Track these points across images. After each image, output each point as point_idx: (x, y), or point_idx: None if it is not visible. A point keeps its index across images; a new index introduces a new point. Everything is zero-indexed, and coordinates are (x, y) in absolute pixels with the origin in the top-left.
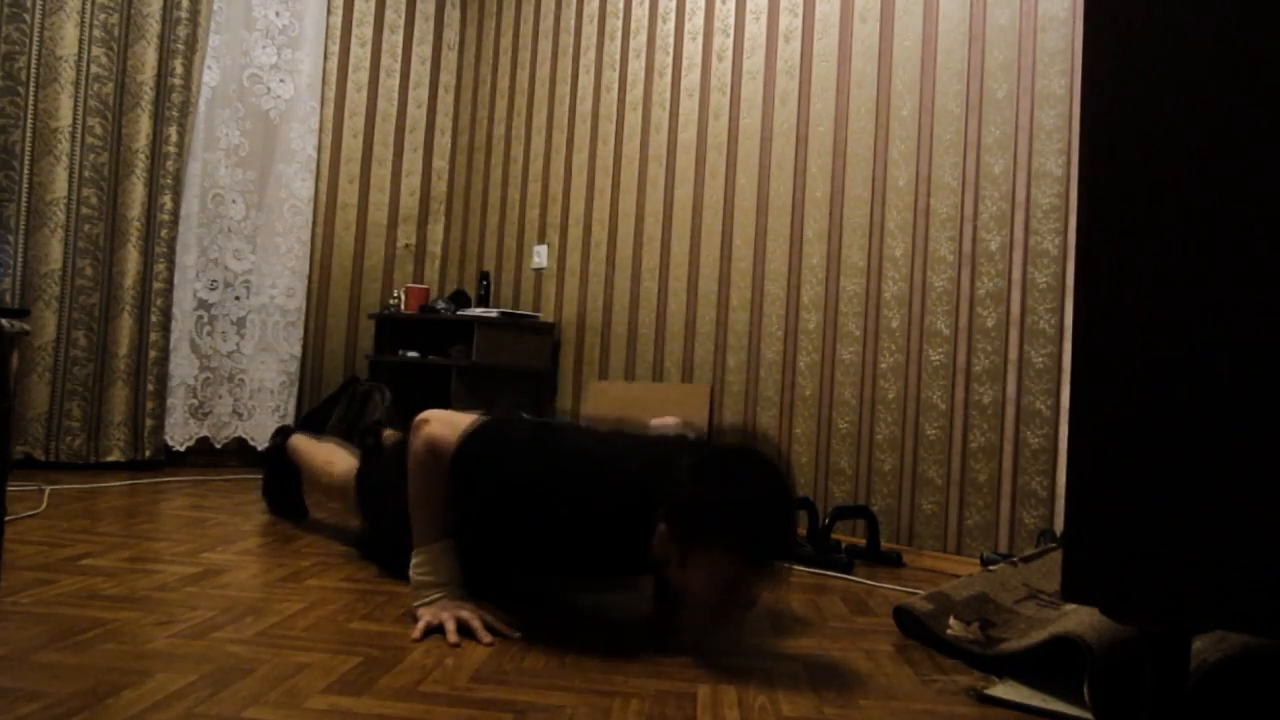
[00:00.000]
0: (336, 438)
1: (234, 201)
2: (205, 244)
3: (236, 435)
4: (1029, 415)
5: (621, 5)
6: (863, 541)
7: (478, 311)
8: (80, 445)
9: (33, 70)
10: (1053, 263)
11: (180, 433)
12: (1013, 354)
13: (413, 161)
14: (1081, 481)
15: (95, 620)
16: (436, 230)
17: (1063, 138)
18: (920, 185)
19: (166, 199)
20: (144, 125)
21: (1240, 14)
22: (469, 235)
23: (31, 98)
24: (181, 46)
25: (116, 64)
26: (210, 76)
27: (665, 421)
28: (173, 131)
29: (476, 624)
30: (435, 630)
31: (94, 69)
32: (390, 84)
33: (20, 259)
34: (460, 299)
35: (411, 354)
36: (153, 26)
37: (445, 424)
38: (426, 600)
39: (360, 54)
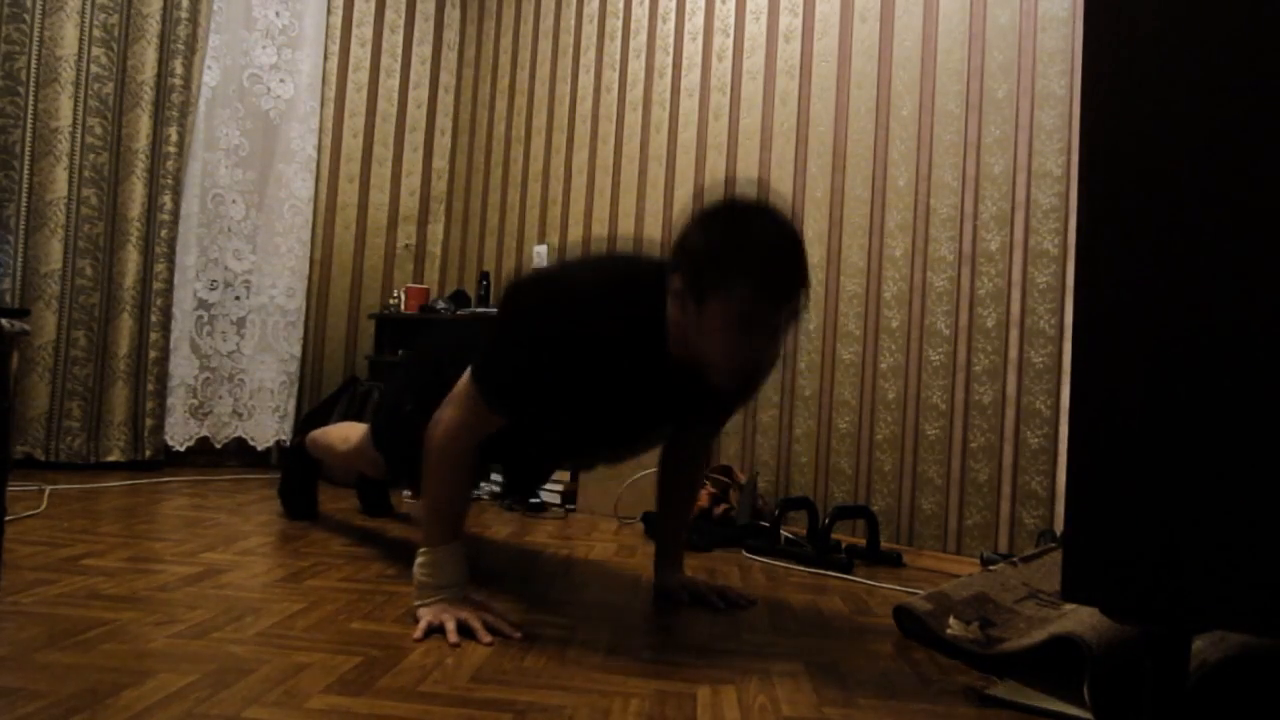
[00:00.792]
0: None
1: (234, 201)
2: (205, 244)
3: (236, 435)
4: (1029, 415)
5: (621, 5)
6: (863, 541)
7: (478, 311)
8: (80, 445)
9: (32, 70)
10: (1053, 263)
11: (180, 433)
12: (1013, 354)
13: (413, 161)
14: (1081, 481)
15: (95, 620)
16: (436, 230)
17: (1063, 138)
18: (920, 185)
19: (166, 199)
20: (144, 125)
21: (1240, 13)
22: (469, 235)
23: (31, 98)
24: (181, 46)
25: (116, 64)
26: (210, 76)
27: None
28: (173, 131)
29: (477, 624)
30: (436, 630)
31: (94, 69)
32: (390, 84)
33: (20, 259)
34: (460, 299)
35: (415, 346)
36: (153, 26)
37: (447, 406)
38: (428, 601)
39: (360, 54)
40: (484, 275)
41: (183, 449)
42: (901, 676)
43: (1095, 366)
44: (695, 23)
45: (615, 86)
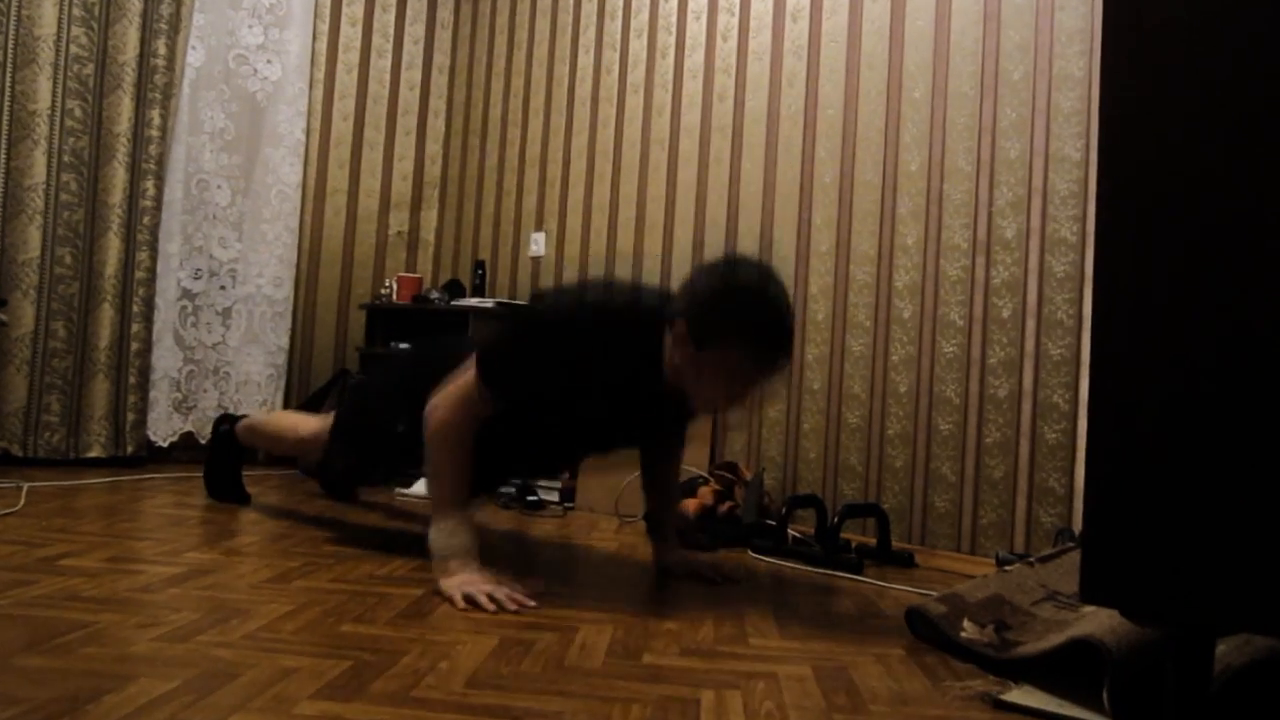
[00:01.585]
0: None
1: (219, 187)
2: (189, 231)
3: None
4: (1046, 409)
5: None
6: (873, 541)
7: (473, 302)
8: (59, 441)
9: (10, 51)
10: (1071, 250)
11: (163, 427)
12: (1029, 345)
13: (405, 146)
14: (1100, 478)
15: (75, 623)
16: (430, 217)
17: (1081, 121)
18: (933, 170)
19: (149, 184)
20: (126, 108)
21: None
22: (464, 222)
23: (9, 79)
24: (165, 26)
25: (97, 44)
26: (195, 57)
27: None
28: (155, 114)
29: (501, 595)
30: (472, 603)
31: (73, 49)
32: (382, 65)
33: None
34: (455, 289)
35: (404, 346)
36: (134, 5)
37: (445, 387)
38: (448, 569)
39: (350, 34)
40: (479, 264)
41: (166, 445)
42: (913, 681)
43: (1115, 358)
44: (699, 1)
45: (616, 67)
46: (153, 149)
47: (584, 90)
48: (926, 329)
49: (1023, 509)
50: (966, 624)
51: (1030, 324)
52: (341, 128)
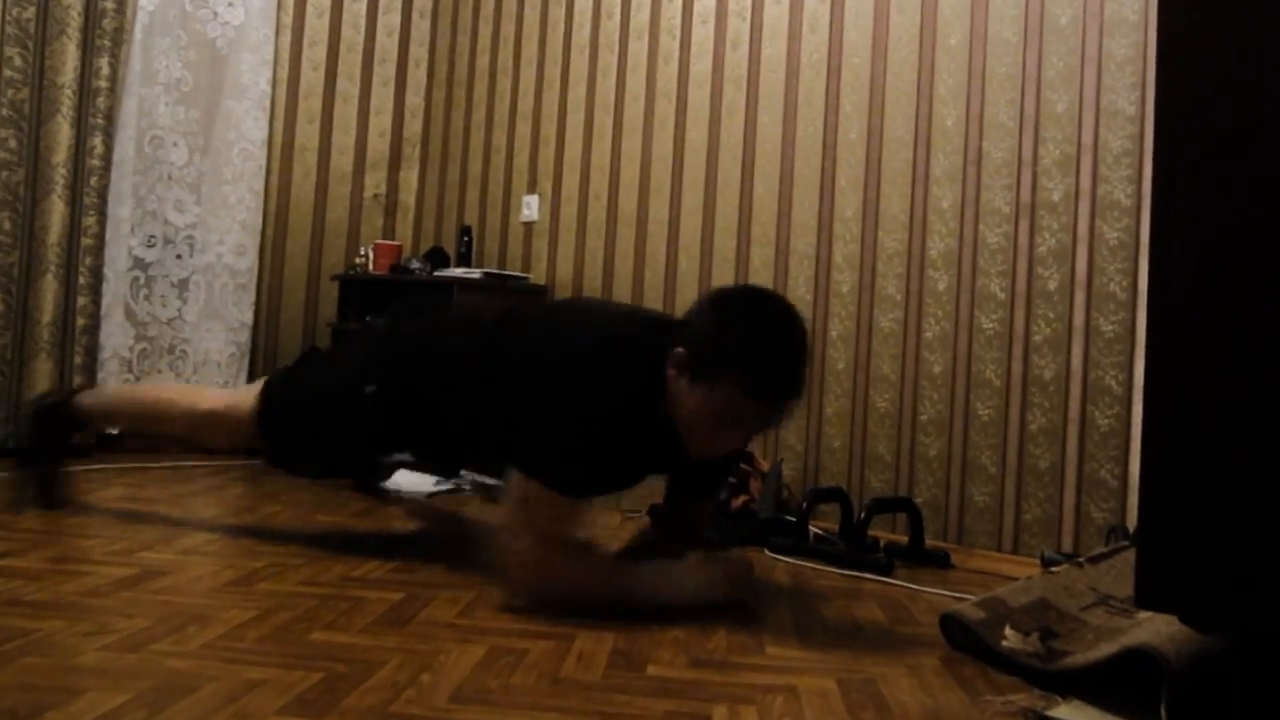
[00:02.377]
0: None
1: (175, 145)
2: (142, 194)
3: None
4: (1097, 392)
5: None
6: (904, 539)
7: (458, 272)
8: None
9: None
10: (1125, 215)
11: None
12: (1078, 320)
13: (383, 98)
14: (1158, 469)
15: (15, 630)
16: (410, 178)
17: (1136, 70)
18: (971, 126)
19: (97, 142)
20: (70, 56)
21: None
22: (448, 184)
23: None
24: None
25: None
26: (148, 0)
27: None
28: (104, 63)
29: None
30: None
31: None
32: (356, 9)
33: None
34: (438, 258)
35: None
36: None
37: (521, 525)
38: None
39: None
40: (465, 230)
41: (117, 432)
42: (949, 695)
43: (1174, 335)
44: None
45: (618, 11)
46: (101, 102)
47: (582, 36)
48: (964, 302)
49: (1071, 503)
50: (1008, 631)
51: (1079, 297)
52: (311, 78)
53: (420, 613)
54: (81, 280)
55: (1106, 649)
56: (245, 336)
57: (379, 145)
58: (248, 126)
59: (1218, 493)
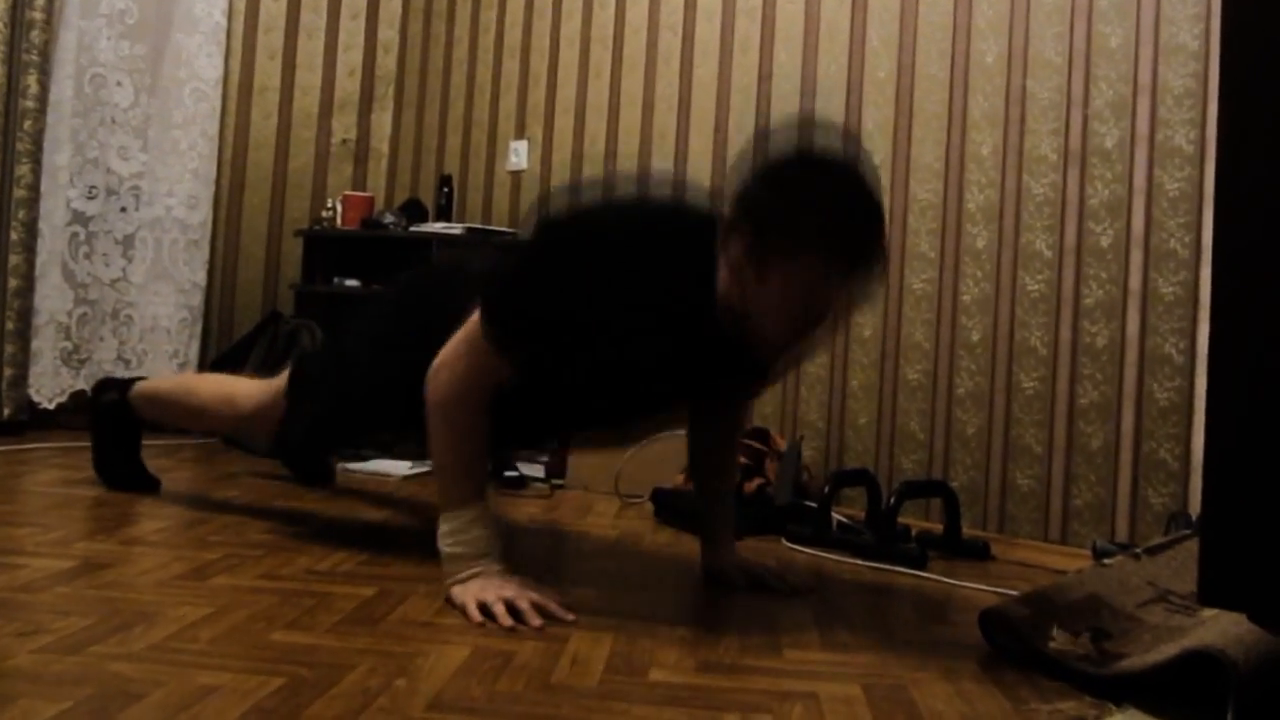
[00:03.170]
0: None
1: (119, 84)
2: (81, 139)
3: None
4: (1156, 362)
5: None
6: (939, 527)
7: (437, 227)
8: None
9: None
10: (1187, 164)
11: (49, 385)
12: (1134, 282)
13: (352, 32)
14: (1224, 448)
15: None
16: (383, 121)
17: (1200, 1)
18: (1014, 62)
19: (31, 80)
20: None
21: None
22: (425, 128)
23: None
24: None
25: None
26: None
27: None
28: None
29: (525, 604)
30: (487, 615)
31: None
32: None
33: None
34: (414, 211)
35: (351, 282)
36: None
37: (450, 347)
38: (461, 577)
39: None
40: (445, 180)
41: (52, 406)
42: (989, 703)
43: (1243, 298)
44: None
45: None
46: (35, 36)
47: None
48: (1005, 261)
49: (1126, 488)
50: (1056, 632)
51: (1135, 255)
52: (272, 9)
53: (394, 610)
54: (14, 236)
55: (1166, 651)
56: (198, 299)
57: (348, 85)
58: (200, 64)
59: None
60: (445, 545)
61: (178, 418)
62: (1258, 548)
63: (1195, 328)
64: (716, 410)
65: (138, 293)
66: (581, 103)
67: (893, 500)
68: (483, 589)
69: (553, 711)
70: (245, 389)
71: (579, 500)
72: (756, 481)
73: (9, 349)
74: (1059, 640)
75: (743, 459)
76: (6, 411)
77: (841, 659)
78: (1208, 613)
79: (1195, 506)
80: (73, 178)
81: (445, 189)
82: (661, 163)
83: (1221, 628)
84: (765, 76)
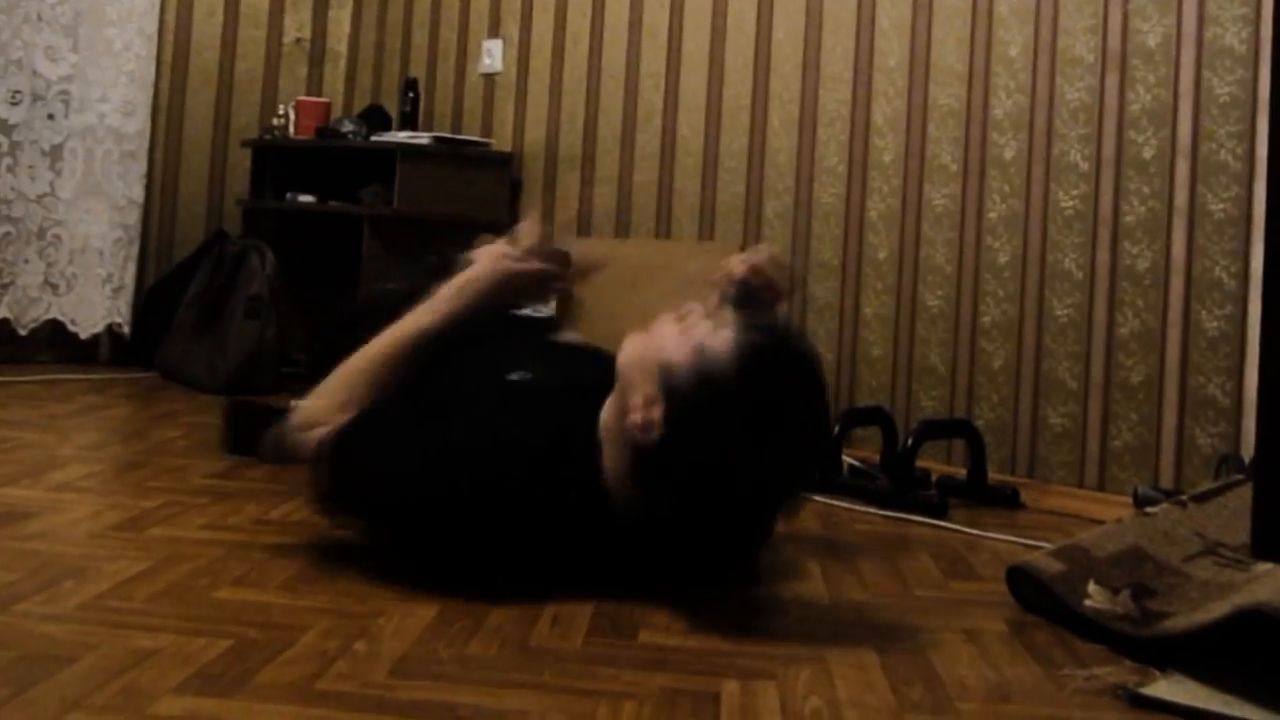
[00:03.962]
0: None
1: None
2: (4, 39)
3: (49, 317)
4: (1204, 287)
5: None
6: (962, 472)
7: (401, 137)
8: None
9: None
10: (1238, 65)
11: None
12: (1180, 198)
13: None
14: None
15: None
16: (341, 18)
17: None
18: None
19: None
20: None
21: None
22: (388, 26)
23: None
24: None
25: None
26: None
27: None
28: None
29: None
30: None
31: None
32: None
33: None
34: (376, 118)
35: (305, 198)
36: None
37: None
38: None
39: None
40: (410, 83)
41: None
42: (1018, 668)
43: None
44: None
45: None
46: None
47: None
48: (1036, 174)
49: (1171, 427)
50: (1093, 588)
51: (1182, 168)
52: None
53: (353, 565)
54: None
55: (1215, 610)
56: (134, 218)
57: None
58: None
59: None
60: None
61: None
62: None
63: (1248, 249)
64: None
65: (67, 210)
66: None
67: (910, 441)
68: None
69: (531, 678)
70: None
71: None
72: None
73: None
74: (1096, 598)
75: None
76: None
77: (852, 619)
78: (1262, 567)
79: (1248, 448)
80: None
81: (410, 94)
82: (651, 65)
83: (1278, 584)
84: None
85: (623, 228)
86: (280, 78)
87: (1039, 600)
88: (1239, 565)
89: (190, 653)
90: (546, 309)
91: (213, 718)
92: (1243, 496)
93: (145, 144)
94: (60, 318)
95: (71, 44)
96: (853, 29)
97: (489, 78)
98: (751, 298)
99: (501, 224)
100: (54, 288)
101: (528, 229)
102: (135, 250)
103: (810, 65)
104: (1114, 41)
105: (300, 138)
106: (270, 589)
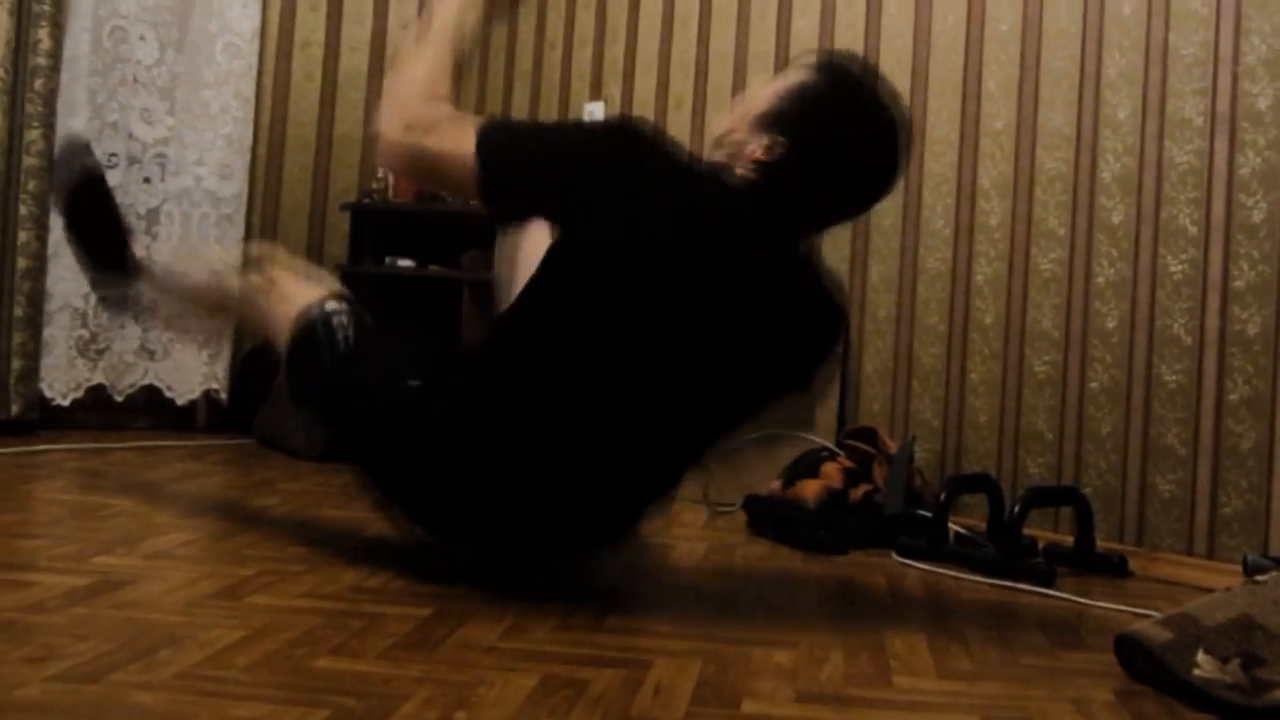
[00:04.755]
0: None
1: (142, 38)
2: (100, 101)
3: (146, 383)
4: None
5: None
6: (1069, 539)
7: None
8: None
9: None
10: None
11: (63, 379)
12: None
13: None
14: None
15: None
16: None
17: None
18: (1154, 15)
19: (42, 34)
20: None
21: None
22: (489, 88)
23: None
24: None
25: None
26: None
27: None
28: None
29: None
30: None
31: None
32: None
33: None
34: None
35: (405, 263)
36: None
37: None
38: None
39: None
40: None
41: (67, 403)
42: None
43: None
44: None
45: None
46: None
47: None
48: (1144, 238)
49: None
50: (1202, 657)
51: None
52: None
53: (454, 633)
54: (23, 210)
55: None
56: None
57: (401, 40)
58: (234, 15)
59: None
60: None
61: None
62: None
63: None
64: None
65: None
66: (665, 60)
67: (1017, 509)
68: None
69: None
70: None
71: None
72: (863, 488)
73: (18, 338)
74: (1205, 667)
75: (848, 463)
76: (15, 409)
77: (959, 688)
78: None
79: None
80: (90, 144)
81: None
82: None
83: None
84: (873, 29)
85: None
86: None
87: (1147, 669)
88: None
89: None
90: None
91: None
92: None
93: (242, 207)
94: (156, 384)
95: (168, 107)
96: (959, 91)
97: None
98: None
99: None
100: (150, 353)
101: None
102: (232, 314)
103: (916, 131)
104: (1223, 104)
105: (399, 201)
106: (369, 658)
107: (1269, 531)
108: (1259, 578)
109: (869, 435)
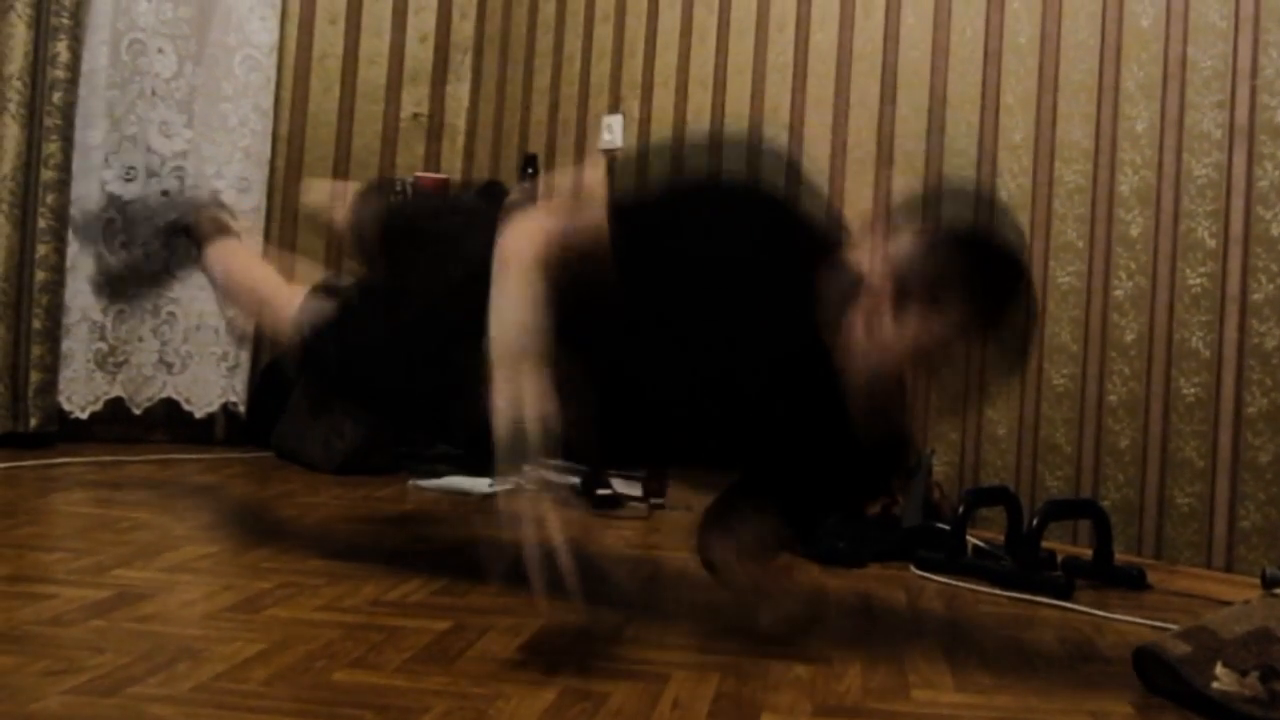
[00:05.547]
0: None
1: (160, 51)
2: (118, 114)
3: (164, 395)
4: None
5: None
6: (1088, 552)
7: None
8: None
9: None
10: None
11: (82, 392)
12: None
13: None
14: None
15: None
16: (460, 94)
17: None
18: (1173, 27)
19: (60, 47)
20: None
21: None
22: (507, 101)
23: None
24: None
25: None
26: None
27: None
28: None
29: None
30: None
31: None
32: None
33: None
34: (495, 194)
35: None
36: None
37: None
38: (517, 469)
39: None
40: (529, 159)
41: (85, 416)
42: None
43: None
44: None
45: None
46: None
47: None
48: (1163, 251)
49: None
50: (1220, 670)
51: None
52: None
53: (472, 646)
54: (41, 224)
55: None
56: None
57: (420, 53)
58: (252, 28)
59: None
60: (497, 336)
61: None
62: None
63: None
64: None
65: (181, 287)
66: (684, 73)
67: (1036, 522)
68: (537, 503)
69: None
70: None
71: (681, 522)
72: (882, 501)
73: (36, 351)
74: (1224, 680)
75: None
76: (34, 422)
77: (977, 701)
78: None
79: None
80: (108, 157)
81: (529, 169)
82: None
83: None
84: (891, 43)
85: None
86: (398, 154)
87: (1166, 682)
88: None
89: None
90: None
91: None
92: None
93: (261, 221)
94: (175, 396)
95: (186, 119)
96: (977, 104)
97: (609, 153)
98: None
99: None
100: (169, 366)
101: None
102: (250, 326)
103: (934, 143)
104: (1241, 117)
105: None
106: (388, 671)
107: None
108: (1277, 590)
109: None
